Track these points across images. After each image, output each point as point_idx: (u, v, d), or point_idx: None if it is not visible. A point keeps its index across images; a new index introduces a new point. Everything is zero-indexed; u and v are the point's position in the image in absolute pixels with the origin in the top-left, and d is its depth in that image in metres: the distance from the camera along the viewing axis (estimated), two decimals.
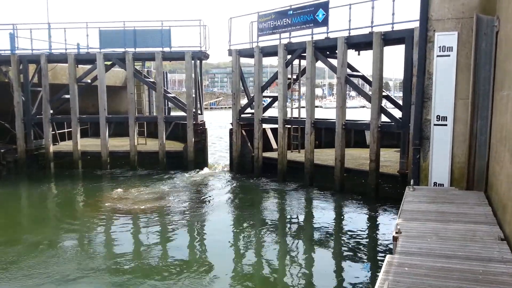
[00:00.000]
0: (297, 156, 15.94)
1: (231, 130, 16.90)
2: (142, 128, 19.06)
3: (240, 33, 17.62)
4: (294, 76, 16.59)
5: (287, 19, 14.70)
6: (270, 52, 15.53)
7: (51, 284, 7.29)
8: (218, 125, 36.43)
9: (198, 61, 17.63)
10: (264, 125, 16.39)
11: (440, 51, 8.08)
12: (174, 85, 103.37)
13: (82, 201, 13.48)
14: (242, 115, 16.73)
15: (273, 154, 15.91)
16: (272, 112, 15.74)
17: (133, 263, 8.33)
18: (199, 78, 17.96)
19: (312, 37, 14.10)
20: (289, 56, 15.01)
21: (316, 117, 14.72)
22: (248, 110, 16.86)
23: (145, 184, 14.86)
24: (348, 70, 14.62)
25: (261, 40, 15.76)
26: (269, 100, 17.48)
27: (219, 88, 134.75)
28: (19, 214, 12.72)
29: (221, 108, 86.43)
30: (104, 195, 13.58)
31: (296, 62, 16.01)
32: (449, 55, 8.03)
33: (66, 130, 20.16)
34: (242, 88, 16.91)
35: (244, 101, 17.81)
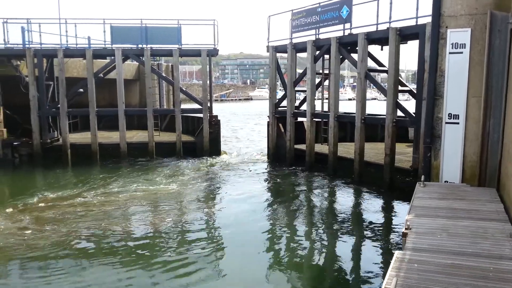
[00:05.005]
0: (325, 148, 16.19)
1: (268, 122, 17.80)
2: (155, 121, 19.39)
3: (274, 30, 17.93)
4: (326, 71, 16.70)
5: (316, 16, 15.26)
6: (301, 48, 16.06)
7: (71, 271, 7.49)
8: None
9: (210, 57, 18.49)
10: (303, 119, 16.92)
11: (452, 48, 7.99)
12: (185, 77, 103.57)
13: (106, 187, 13.64)
14: (279, 108, 17.53)
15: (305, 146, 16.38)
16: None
17: (152, 245, 8.72)
18: (210, 73, 18.96)
19: (343, 32, 14.32)
20: (317, 52, 15.48)
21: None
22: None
23: (171, 171, 15.67)
24: (375, 65, 15.19)
25: (294, 36, 16.39)
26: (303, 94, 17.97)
27: (229, 80, 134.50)
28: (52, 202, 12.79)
29: (231, 100, 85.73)
30: (135, 180, 14.29)
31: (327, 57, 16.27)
32: (461, 52, 7.93)
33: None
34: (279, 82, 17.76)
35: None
